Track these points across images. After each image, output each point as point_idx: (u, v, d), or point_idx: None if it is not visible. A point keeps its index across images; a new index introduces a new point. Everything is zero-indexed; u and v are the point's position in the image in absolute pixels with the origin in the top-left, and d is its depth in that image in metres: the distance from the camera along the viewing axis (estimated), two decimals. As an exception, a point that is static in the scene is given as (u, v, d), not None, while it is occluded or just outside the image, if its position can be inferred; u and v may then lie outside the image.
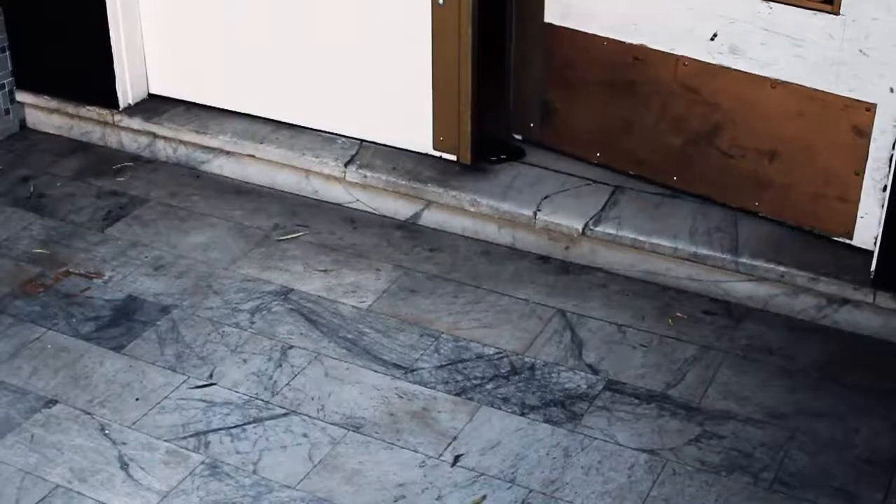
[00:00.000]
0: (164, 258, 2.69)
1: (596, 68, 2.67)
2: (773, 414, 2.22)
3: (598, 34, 2.62)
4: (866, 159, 2.41)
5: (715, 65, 2.52)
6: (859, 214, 2.46)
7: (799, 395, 2.27)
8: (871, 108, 2.37)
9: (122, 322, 2.47)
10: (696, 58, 2.54)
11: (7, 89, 3.21)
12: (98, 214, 2.86)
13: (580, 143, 2.75)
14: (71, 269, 2.65)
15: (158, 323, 2.47)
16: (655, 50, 2.59)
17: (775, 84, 2.46)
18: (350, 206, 2.86)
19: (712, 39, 2.50)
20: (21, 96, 3.23)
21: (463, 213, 2.71)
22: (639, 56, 2.61)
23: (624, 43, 2.61)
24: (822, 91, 2.41)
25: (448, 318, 2.46)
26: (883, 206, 2.36)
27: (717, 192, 2.63)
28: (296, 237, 2.76)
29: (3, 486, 2.05)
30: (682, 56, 2.56)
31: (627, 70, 2.64)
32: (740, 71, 2.50)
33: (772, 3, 2.40)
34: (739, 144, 2.56)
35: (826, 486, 2.05)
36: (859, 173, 2.43)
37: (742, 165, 2.57)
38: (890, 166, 2.34)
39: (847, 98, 2.39)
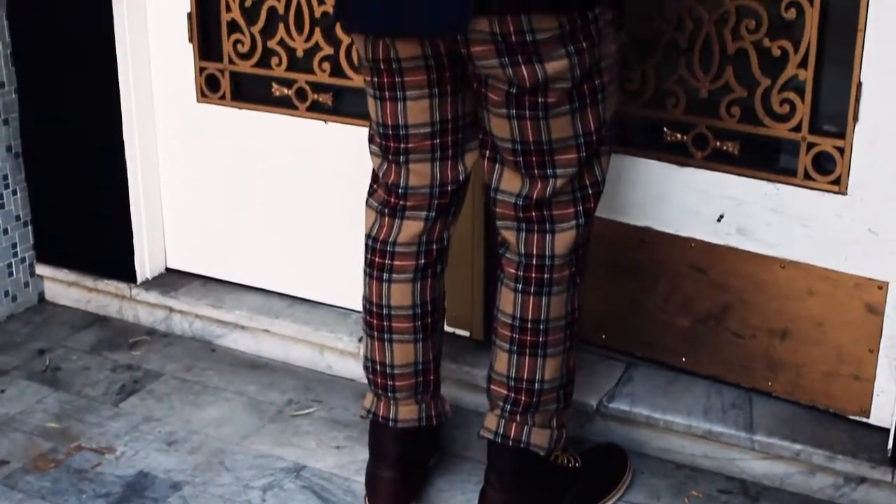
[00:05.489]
0: (177, 433, 2.68)
1: (602, 250, 2.72)
2: None
3: (604, 217, 2.66)
4: (880, 337, 2.42)
5: (722, 245, 2.56)
6: (875, 393, 2.45)
7: (819, 580, 2.22)
8: (882, 286, 2.39)
9: (133, 499, 2.45)
10: (704, 239, 2.58)
11: (28, 262, 3.27)
12: (112, 388, 2.87)
13: (585, 325, 2.77)
14: (83, 444, 2.64)
15: (169, 500, 2.45)
16: (662, 232, 2.63)
17: (784, 264, 2.49)
18: (364, 381, 2.85)
19: (719, 221, 2.54)
20: (41, 269, 3.29)
21: (476, 389, 2.71)
22: (645, 238, 2.65)
23: (630, 225, 2.66)
24: (833, 270, 2.44)
25: (461, 498, 2.44)
26: (897, 385, 2.36)
27: (727, 372, 2.63)
28: (309, 413, 2.76)
29: None
30: (688, 238, 2.60)
31: (634, 252, 2.68)
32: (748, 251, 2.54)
33: (778, 185, 2.45)
34: (750, 324, 2.58)
35: None
36: (873, 351, 2.43)
37: (753, 345, 2.58)
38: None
39: (858, 276, 2.41)
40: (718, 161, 2.51)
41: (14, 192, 3.19)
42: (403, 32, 2.03)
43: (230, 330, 3.05)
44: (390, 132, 2.18)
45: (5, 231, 3.19)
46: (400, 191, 2.23)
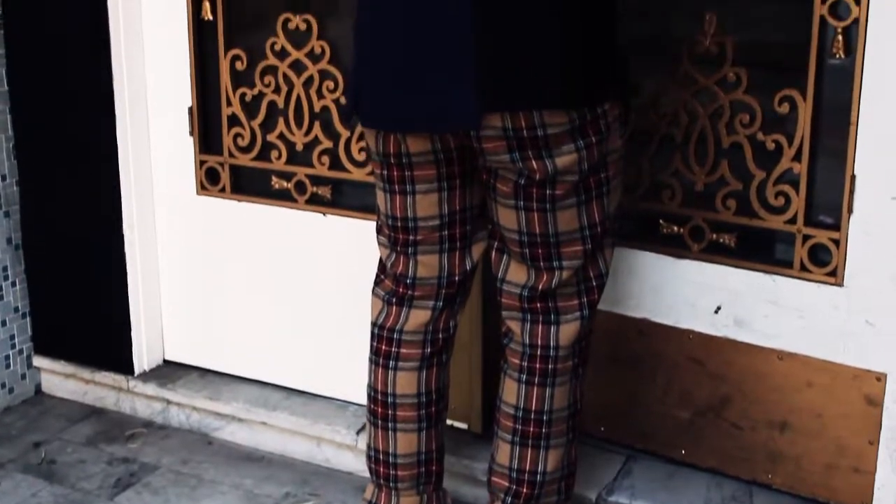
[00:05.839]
0: (172, 527, 2.66)
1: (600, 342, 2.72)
2: None
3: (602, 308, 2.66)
4: (880, 429, 2.41)
5: (720, 337, 2.56)
6: (876, 486, 2.43)
7: None
8: (881, 378, 2.39)
9: None
10: (701, 331, 2.58)
11: (25, 354, 3.26)
12: (108, 482, 2.85)
13: (584, 417, 2.76)
14: (78, 539, 2.62)
15: None
16: (660, 324, 2.63)
17: (782, 355, 2.49)
18: (362, 474, 2.84)
19: (716, 312, 2.55)
20: (38, 361, 3.28)
21: (475, 482, 2.69)
22: (643, 330, 2.65)
23: (628, 317, 2.66)
24: (831, 362, 2.44)
25: (460, 593, 2.41)
26: (898, 477, 2.34)
27: (727, 464, 2.61)
28: (306, 506, 2.74)
29: None
30: (686, 329, 2.60)
31: (632, 343, 2.68)
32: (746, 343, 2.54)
33: (775, 277, 2.46)
34: (749, 416, 2.57)
35: None
36: (873, 443, 2.42)
37: (752, 437, 2.57)
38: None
39: (856, 368, 2.41)
40: (715, 253, 2.53)
41: (13, 284, 3.20)
42: (418, 129, 2.06)
43: (227, 422, 3.04)
44: (399, 224, 2.20)
45: (3, 323, 3.19)
46: (408, 281, 2.25)
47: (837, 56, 2.29)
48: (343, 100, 2.79)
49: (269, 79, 2.90)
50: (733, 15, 2.44)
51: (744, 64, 2.42)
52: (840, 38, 2.28)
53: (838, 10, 2.28)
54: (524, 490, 2.24)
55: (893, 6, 2.22)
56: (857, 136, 2.30)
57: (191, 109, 3.02)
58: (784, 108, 2.38)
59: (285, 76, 2.88)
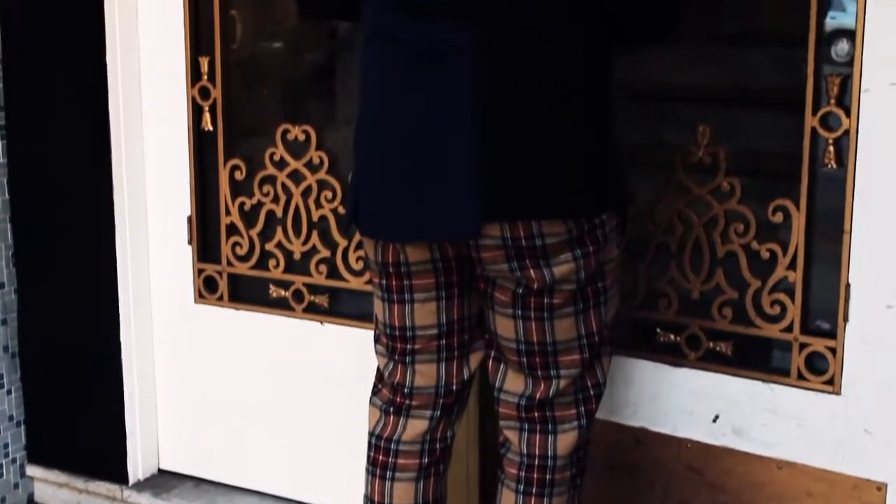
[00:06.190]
0: None
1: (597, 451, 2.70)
2: None
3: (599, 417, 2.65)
4: (882, 538, 2.39)
5: (718, 446, 2.55)
6: None
7: None
8: (881, 488, 2.37)
9: None
10: (699, 440, 2.57)
11: (19, 463, 3.24)
12: None
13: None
14: None
15: None
16: (657, 432, 2.62)
17: (781, 465, 2.48)
18: (357, 586, 2.80)
19: (714, 421, 2.54)
20: (31, 470, 3.25)
21: None
22: (640, 439, 2.64)
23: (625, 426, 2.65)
24: (830, 471, 2.42)
25: None
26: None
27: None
28: None
29: None
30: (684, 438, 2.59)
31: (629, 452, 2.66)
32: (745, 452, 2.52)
33: (773, 385, 2.46)
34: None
35: None
36: (877, 554, 2.40)
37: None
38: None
39: (856, 478, 2.39)
40: (712, 361, 2.53)
41: (9, 392, 3.19)
42: (418, 238, 2.07)
43: (222, 533, 3.01)
44: (397, 333, 2.20)
45: (-3, 432, 3.18)
46: (406, 390, 2.24)
47: (829, 166, 2.33)
48: (341, 209, 2.82)
49: (267, 188, 2.93)
50: (726, 126, 2.47)
51: (737, 174, 2.45)
52: (831, 148, 2.32)
53: (829, 122, 2.32)
54: None
55: (883, 117, 2.26)
56: (851, 245, 2.32)
57: (190, 218, 3.04)
58: (778, 218, 2.41)
59: (284, 186, 2.91)
